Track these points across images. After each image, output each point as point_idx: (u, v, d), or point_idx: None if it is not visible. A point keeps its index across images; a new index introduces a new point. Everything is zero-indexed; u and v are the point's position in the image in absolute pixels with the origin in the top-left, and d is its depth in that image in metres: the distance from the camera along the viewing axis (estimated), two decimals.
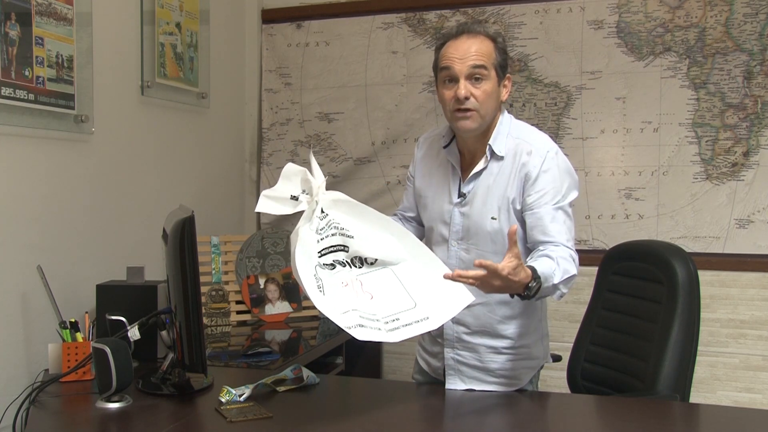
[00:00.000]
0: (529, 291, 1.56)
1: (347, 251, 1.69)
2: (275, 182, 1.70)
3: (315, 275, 1.60)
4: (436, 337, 1.91)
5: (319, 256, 1.65)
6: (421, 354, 2.02)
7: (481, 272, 1.51)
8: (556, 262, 1.62)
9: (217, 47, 3.10)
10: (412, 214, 2.02)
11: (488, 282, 1.52)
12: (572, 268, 1.65)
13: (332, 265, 1.67)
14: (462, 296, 1.69)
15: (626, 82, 2.97)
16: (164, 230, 1.89)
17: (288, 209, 1.67)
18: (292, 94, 3.41)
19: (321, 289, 1.59)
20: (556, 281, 1.60)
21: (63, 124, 2.18)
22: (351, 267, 1.69)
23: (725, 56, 2.85)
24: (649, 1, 2.93)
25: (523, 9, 3.09)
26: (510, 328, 1.82)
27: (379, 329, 1.59)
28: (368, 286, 1.68)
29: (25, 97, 2.01)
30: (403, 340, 1.61)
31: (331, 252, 1.68)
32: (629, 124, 2.98)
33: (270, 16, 3.43)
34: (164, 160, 2.75)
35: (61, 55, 2.14)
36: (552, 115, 3.06)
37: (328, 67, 3.35)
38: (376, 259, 1.72)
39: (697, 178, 2.90)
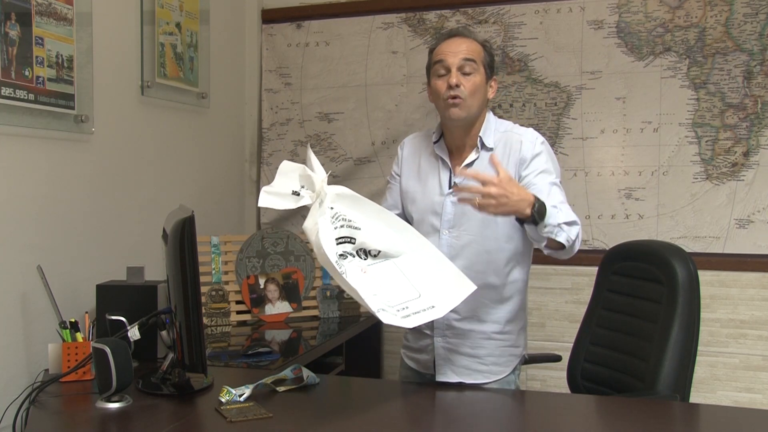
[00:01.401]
0: (534, 210, 1.63)
1: (354, 243, 1.73)
2: None
3: (337, 262, 1.65)
4: (424, 329, 1.97)
5: (336, 245, 1.69)
6: (407, 354, 2.08)
7: (480, 186, 1.60)
8: (558, 209, 1.72)
9: (217, 47, 3.10)
10: (396, 212, 2.06)
11: (493, 196, 1.59)
12: (573, 216, 1.74)
13: (344, 256, 1.71)
14: (464, 286, 1.75)
15: (626, 82, 2.97)
16: (164, 230, 1.89)
17: (291, 204, 1.69)
18: (292, 94, 3.41)
19: (345, 275, 1.64)
20: (560, 221, 1.68)
21: (63, 124, 2.18)
22: (359, 258, 1.73)
23: (725, 56, 2.85)
24: (649, 1, 2.93)
25: (523, 9, 3.09)
26: (497, 313, 1.93)
27: (395, 315, 1.64)
28: (375, 277, 1.71)
29: (25, 97, 2.00)
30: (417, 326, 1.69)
31: (341, 243, 1.71)
32: (629, 124, 2.98)
33: (270, 16, 3.43)
34: (164, 160, 2.75)
35: (61, 55, 2.14)
36: (552, 115, 3.06)
37: (328, 67, 3.35)
38: (380, 251, 1.76)
39: (697, 178, 2.90)
